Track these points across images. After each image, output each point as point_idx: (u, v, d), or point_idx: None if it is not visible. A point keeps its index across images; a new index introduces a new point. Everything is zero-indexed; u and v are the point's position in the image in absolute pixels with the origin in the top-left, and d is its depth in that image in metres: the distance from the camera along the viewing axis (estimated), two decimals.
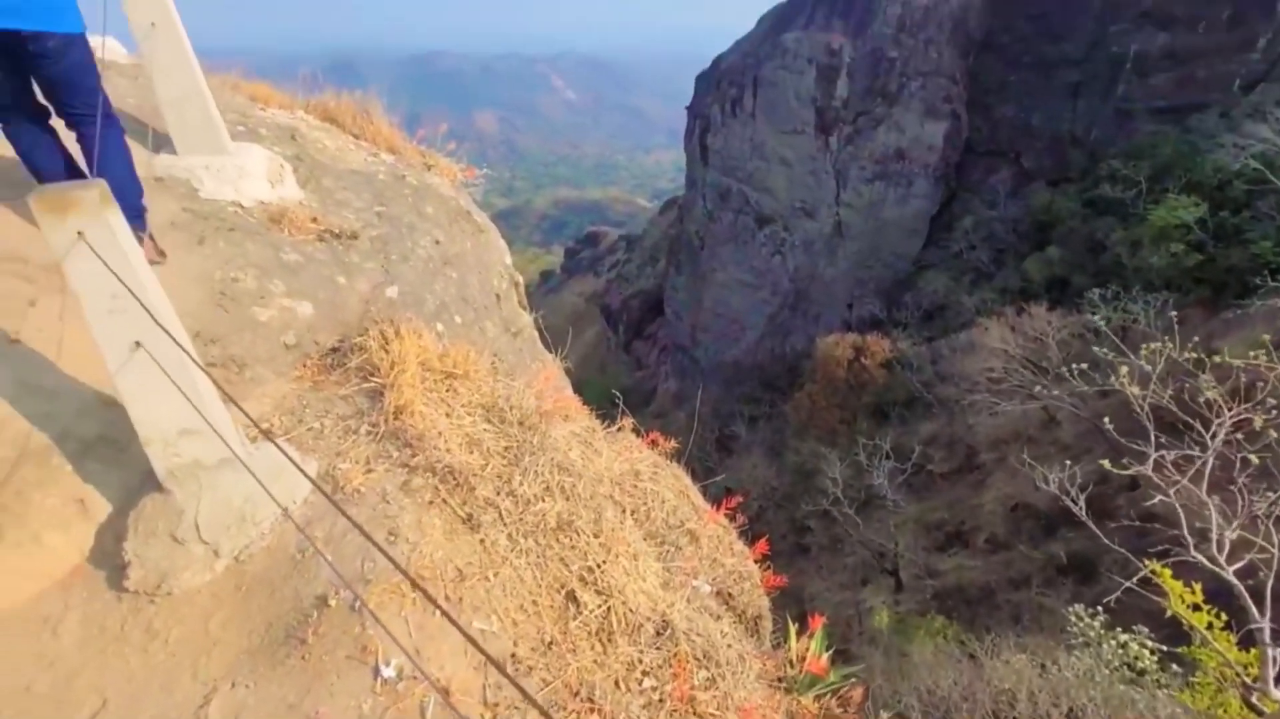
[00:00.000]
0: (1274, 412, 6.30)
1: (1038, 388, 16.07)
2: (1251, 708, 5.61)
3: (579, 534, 2.70)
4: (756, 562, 4.16)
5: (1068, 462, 7.79)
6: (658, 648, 2.59)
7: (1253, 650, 5.99)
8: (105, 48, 4.66)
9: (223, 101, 4.18)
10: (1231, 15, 32.54)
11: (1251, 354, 6.50)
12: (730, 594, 3.78)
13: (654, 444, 4.36)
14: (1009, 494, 21.17)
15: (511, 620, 2.23)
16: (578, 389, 5.21)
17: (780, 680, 3.50)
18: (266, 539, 2.14)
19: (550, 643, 2.33)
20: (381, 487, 2.32)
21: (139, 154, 3.36)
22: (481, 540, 2.34)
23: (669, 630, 2.67)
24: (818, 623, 4.11)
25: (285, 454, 2.09)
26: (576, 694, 2.19)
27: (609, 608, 2.58)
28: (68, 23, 2.59)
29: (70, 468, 2.17)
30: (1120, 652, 8.22)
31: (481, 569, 2.23)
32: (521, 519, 2.56)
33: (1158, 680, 7.71)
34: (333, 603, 1.92)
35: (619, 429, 4.20)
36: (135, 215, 2.79)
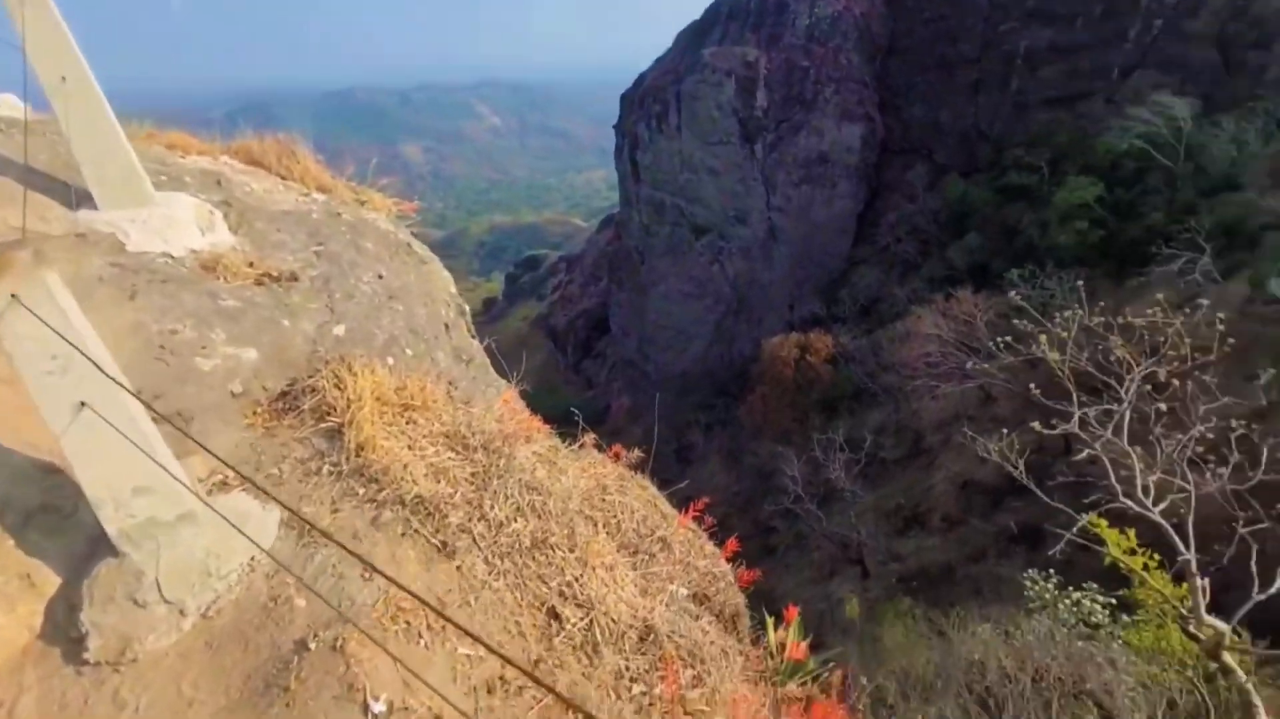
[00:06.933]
0: (1175, 363, 6.87)
1: (970, 365, 16.99)
2: (1190, 636, 6.04)
3: (554, 550, 2.72)
4: (728, 560, 4.26)
5: (1004, 429, 8.25)
6: (643, 653, 2.63)
7: (1184, 585, 6.46)
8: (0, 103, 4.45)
9: (140, 152, 4.05)
10: (1104, 10, 35.52)
11: (1150, 311, 7.07)
12: (707, 595, 3.85)
13: (617, 458, 4.42)
14: (957, 472, 22.10)
15: (496, 643, 2.24)
16: (532, 412, 5.23)
17: (763, 673, 3.59)
18: (234, 592, 2.09)
19: (537, 661, 2.34)
20: (351, 525, 2.29)
21: (59, 212, 3.22)
22: (458, 567, 2.34)
23: (652, 635, 2.72)
24: (793, 614, 4.24)
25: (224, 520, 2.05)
26: (569, 709, 2.21)
27: (591, 620, 2.61)
28: None
29: (12, 542, 2.06)
30: (1075, 609, 8.71)
31: (462, 595, 2.23)
32: (496, 542, 2.57)
33: (1111, 633, 8.21)
34: (313, 646, 1.89)
35: (581, 446, 4.25)
36: None
